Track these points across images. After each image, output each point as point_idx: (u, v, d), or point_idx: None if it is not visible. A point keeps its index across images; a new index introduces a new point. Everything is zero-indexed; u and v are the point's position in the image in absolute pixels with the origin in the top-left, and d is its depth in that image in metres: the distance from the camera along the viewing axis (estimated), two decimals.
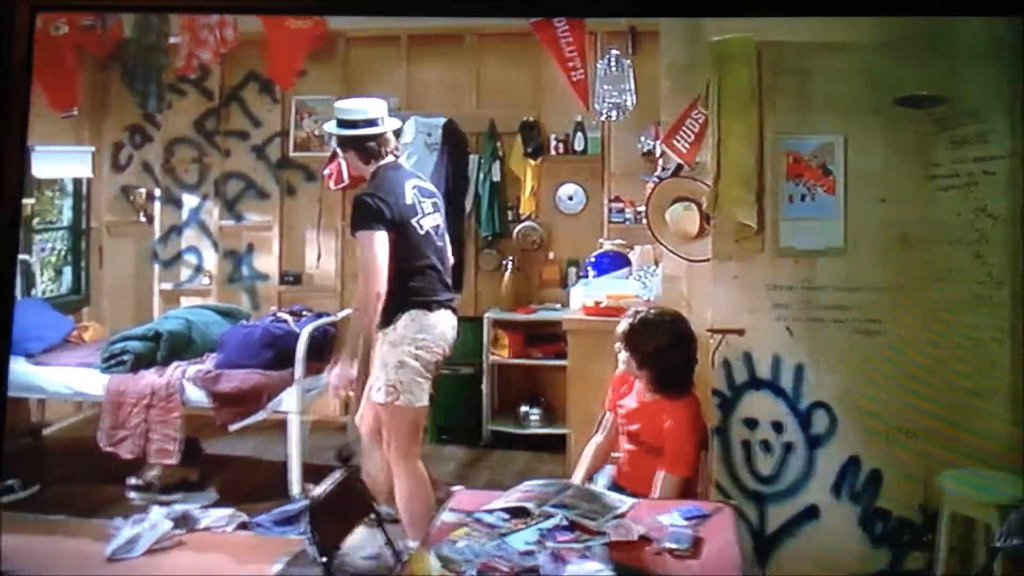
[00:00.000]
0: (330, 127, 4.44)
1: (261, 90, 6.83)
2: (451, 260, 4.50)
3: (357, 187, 6.54)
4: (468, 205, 6.54)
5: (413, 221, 4.24)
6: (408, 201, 4.24)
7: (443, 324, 4.28)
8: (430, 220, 4.32)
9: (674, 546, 2.92)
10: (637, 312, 3.90)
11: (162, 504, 4.93)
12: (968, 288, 3.77)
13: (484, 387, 6.29)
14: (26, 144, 2.45)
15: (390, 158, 4.34)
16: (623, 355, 3.84)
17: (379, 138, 4.30)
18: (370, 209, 4.16)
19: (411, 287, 4.22)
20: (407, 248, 4.21)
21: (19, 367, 5.45)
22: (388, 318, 4.21)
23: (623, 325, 3.86)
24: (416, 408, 4.24)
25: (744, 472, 3.92)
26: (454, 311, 4.37)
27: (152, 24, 6.21)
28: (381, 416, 4.29)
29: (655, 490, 3.61)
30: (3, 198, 2.33)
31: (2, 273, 2.37)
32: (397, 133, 4.53)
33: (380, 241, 4.14)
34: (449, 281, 4.39)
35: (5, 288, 2.39)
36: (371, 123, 4.29)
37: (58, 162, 6.45)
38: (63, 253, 6.77)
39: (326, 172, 6.55)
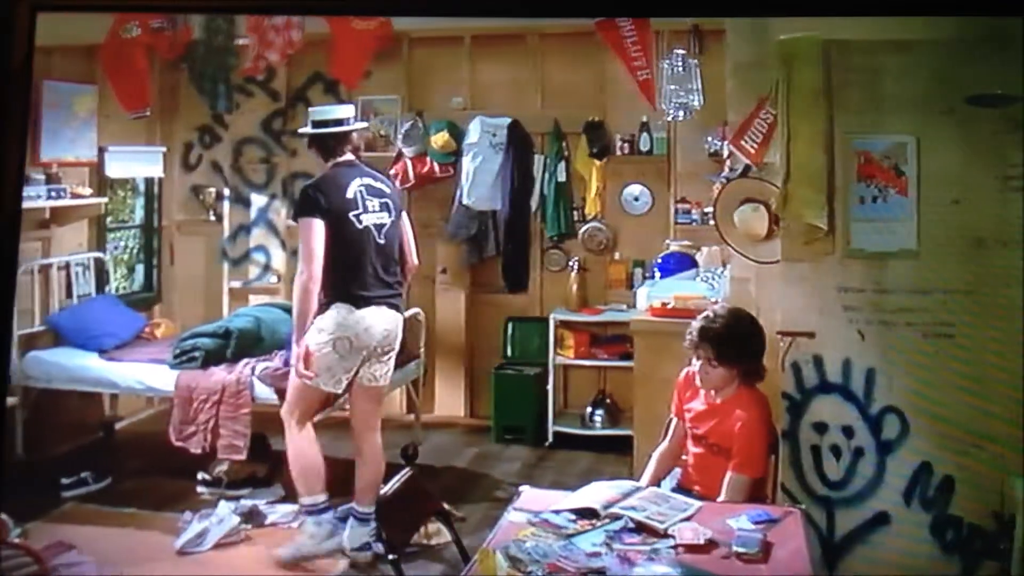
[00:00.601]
0: (304, 129, 4.83)
1: (326, 90, 6.90)
2: (411, 261, 4.85)
3: (423, 187, 6.66)
4: (534, 205, 6.56)
5: (350, 214, 4.51)
6: (349, 195, 4.53)
7: (370, 319, 4.53)
8: (373, 217, 4.57)
9: (743, 550, 2.88)
10: (714, 317, 3.75)
11: (230, 499, 5.01)
12: None
13: (549, 387, 6.28)
14: (26, 144, 2.45)
15: (348, 156, 4.65)
16: (706, 364, 3.68)
17: (339, 136, 4.64)
18: (308, 198, 4.53)
19: (342, 280, 4.51)
20: (342, 240, 4.49)
21: (92, 363, 5.60)
22: (321, 308, 4.51)
23: (703, 333, 3.69)
24: (320, 391, 4.56)
25: (813, 477, 3.88)
26: (392, 307, 4.62)
27: (220, 26, 6.31)
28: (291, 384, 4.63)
29: (724, 491, 3.57)
30: (3, 198, 2.33)
31: (2, 273, 2.37)
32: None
33: (316, 228, 4.46)
34: (391, 279, 4.63)
35: (5, 287, 2.39)
36: (339, 123, 4.66)
37: (130, 162, 6.59)
38: (135, 251, 6.91)
39: (392, 172, 6.61)
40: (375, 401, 4.74)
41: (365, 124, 5.00)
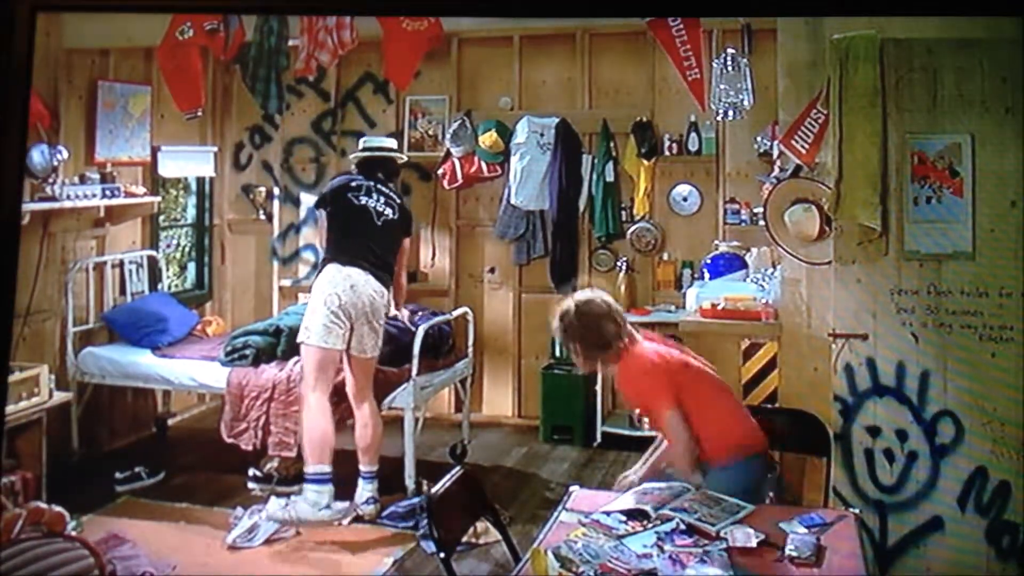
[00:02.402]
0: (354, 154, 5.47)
1: (376, 91, 6.95)
2: (394, 245, 5.21)
3: (471, 187, 6.68)
4: (582, 205, 6.55)
5: (349, 195, 5.12)
6: (353, 185, 5.15)
7: (355, 278, 4.99)
8: (374, 203, 5.12)
9: (796, 554, 2.87)
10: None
11: (280, 495, 5.05)
12: None
13: (598, 388, 6.25)
14: (26, 144, 2.45)
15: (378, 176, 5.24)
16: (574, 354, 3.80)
17: (375, 161, 5.26)
18: (320, 195, 5.41)
19: (335, 243, 5.09)
20: (338, 210, 5.11)
21: (146, 359, 5.67)
22: (319, 269, 5.17)
23: (557, 330, 3.82)
24: (321, 348, 4.94)
25: (865, 481, 3.84)
26: (378, 278, 5.05)
27: (272, 27, 6.35)
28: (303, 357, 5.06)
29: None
30: (3, 198, 2.33)
31: (2, 273, 2.37)
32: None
33: (320, 218, 5.22)
34: (381, 258, 5.09)
35: (5, 288, 2.39)
36: (381, 150, 5.34)
37: (183, 161, 6.66)
38: (187, 249, 6.99)
39: (440, 172, 6.64)
40: (366, 373, 5.04)
41: (403, 159, 5.58)
